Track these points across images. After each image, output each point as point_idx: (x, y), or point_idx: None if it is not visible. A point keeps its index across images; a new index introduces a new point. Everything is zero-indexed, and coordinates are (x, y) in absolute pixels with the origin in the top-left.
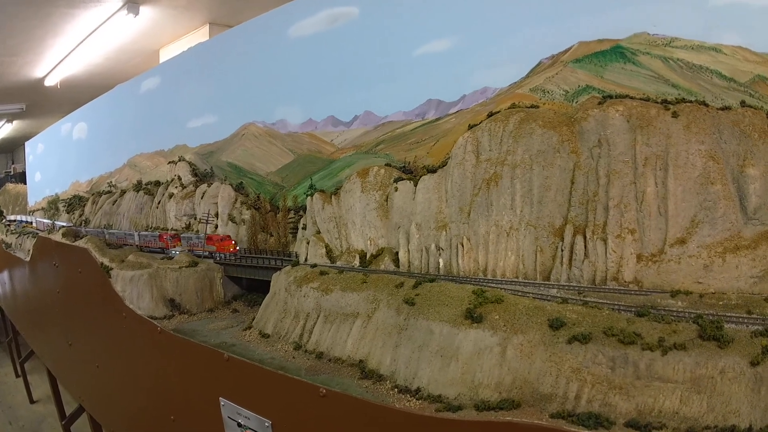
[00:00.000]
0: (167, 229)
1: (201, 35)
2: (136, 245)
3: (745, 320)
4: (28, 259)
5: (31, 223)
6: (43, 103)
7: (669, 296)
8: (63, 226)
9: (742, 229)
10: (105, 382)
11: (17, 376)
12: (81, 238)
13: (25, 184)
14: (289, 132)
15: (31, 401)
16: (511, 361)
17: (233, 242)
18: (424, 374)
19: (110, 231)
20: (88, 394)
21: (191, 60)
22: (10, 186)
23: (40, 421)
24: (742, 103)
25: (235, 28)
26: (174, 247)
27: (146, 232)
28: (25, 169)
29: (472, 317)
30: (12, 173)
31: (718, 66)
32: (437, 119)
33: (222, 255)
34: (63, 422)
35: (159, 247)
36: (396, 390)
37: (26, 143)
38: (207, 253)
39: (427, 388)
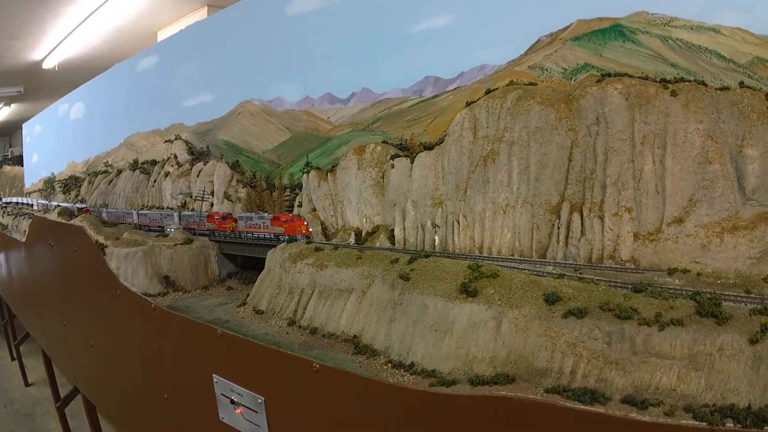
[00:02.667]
0: (163, 208)
1: (199, 17)
2: (175, 227)
3: (744, 299)
4: (23, 240)
5: (31, 204)
6: (41, 86)
7: (666, 274)
8: (58, 205)
9: (740, 210)
10: (99, 362)
11: (12, 359)
12: (106, 225)
13: (22, 166)
14: (285, 109)
15: (26, 384)
16: (506, 335)
17: (305, 222)
18: (418, 349)
19: (142, 212)
20: (82, 375)
21: (188, 39)
22: (7, 168)
23: (35, 404)
24: (741, 84)
25: (232, 6)
26: (228, 228)
27: (190, 212)
28: (22, 151)
29: (467, 291)
30: (9, 156)
31: (717, 47)
32: (435, 96)
33: (292, 238)
34: (57, 404)
35: (208, 230)
36: (390, 365)
37: (24, 125)
38: (272, 236)
39: (421, 363)
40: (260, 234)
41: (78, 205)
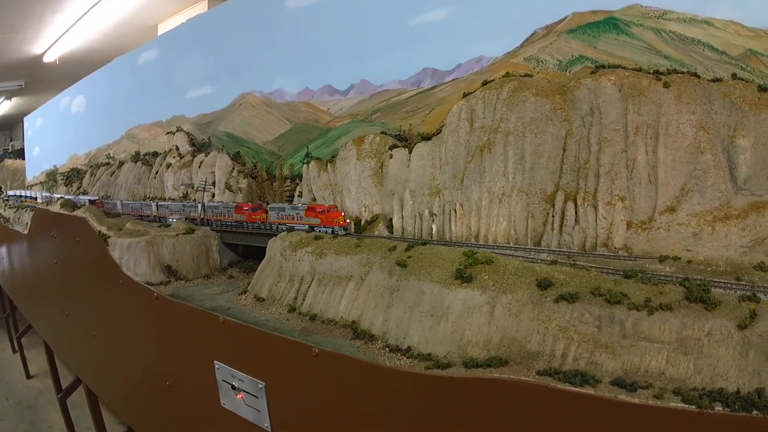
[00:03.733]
0: (165, 199)
1: (199, 10)
2: (200, 219)
3: (734, 286)
4: (26, 232)
5: (35, 197)
6: (42, 80)
7: (657, 261)
8: (61, 198)
9: (731, 199)
10: (101, 352)
11: (14, 351)
12: (114, 216)
13: (24, 159)
14: (286, 101)
15: (28, 376)
16: (500, 319)
17: (342, 213)
18: (414, 333)
19: (162, 204)
20: (84, 365)
21: (189, 32)
22: (8, 162)
23: (36, 396)
24: (734, 76)
25: (233, 0)
26: (258, 220)
27: (216, 203)
28: (23, 145)
29: (462, 277)
30: (10, 150)
31: (710, 39)
32: (432, 88)
33: (330, 229)
34: (59, 396)
35: (235, 221)
36: (387, 349)
37: (25, 118)
38: (307, 227)
39: (417, 347)
40: (293, 226)
41: (89, 197)
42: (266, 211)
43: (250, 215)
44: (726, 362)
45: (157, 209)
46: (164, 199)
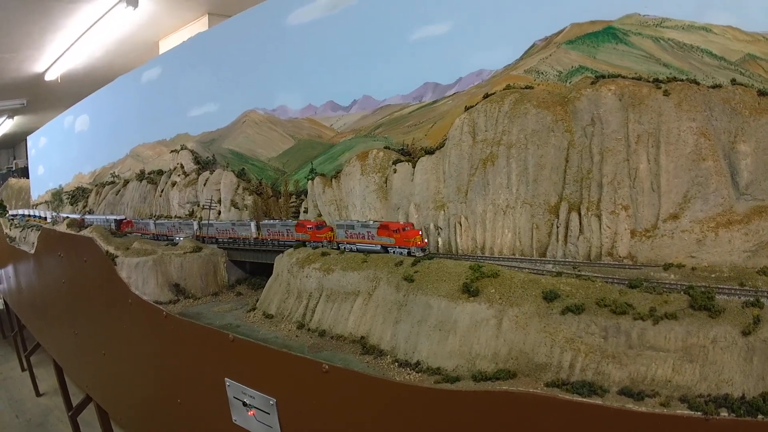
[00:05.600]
0: (171, 217)
1: (200, 26)
2: (253, 238)
3: (738, 292)
4: (32, 251)
5: (44, 217)
6: (44, 98)
7: (661, 269)
8: (71, 217)
9: (734, 205)
10: (111, 370)
11: (23, 370)
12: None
13: (28, 178)
14: (289, 118)
15: (38, 394)
16: (507, 332)
17: (419, 232)
18: (423, 348)
19: (208, 223)
20: (94, 383)
21: (191, 50)
22: (12, 181)
23: (46, 414)
24: (733, 81)
25: (234, 17)
26: (323, 239)
27: (272, 220)
28: (27, 164)
29: (469, 291)
30: (14, 168)
31: (709, 45)
32: (434, 102)
33: (405, 250)
34: (70, 413)
35: (296, 240)
36: (396, 364)
37: (28, 137)
38: (379, 247)
39: (426, 361)
40: (363, 246)
41: (115, 217)
42: (332, 229)
43: (314, 234)
44: (731, 368)
45: (200, 229)
46: (179, 217)
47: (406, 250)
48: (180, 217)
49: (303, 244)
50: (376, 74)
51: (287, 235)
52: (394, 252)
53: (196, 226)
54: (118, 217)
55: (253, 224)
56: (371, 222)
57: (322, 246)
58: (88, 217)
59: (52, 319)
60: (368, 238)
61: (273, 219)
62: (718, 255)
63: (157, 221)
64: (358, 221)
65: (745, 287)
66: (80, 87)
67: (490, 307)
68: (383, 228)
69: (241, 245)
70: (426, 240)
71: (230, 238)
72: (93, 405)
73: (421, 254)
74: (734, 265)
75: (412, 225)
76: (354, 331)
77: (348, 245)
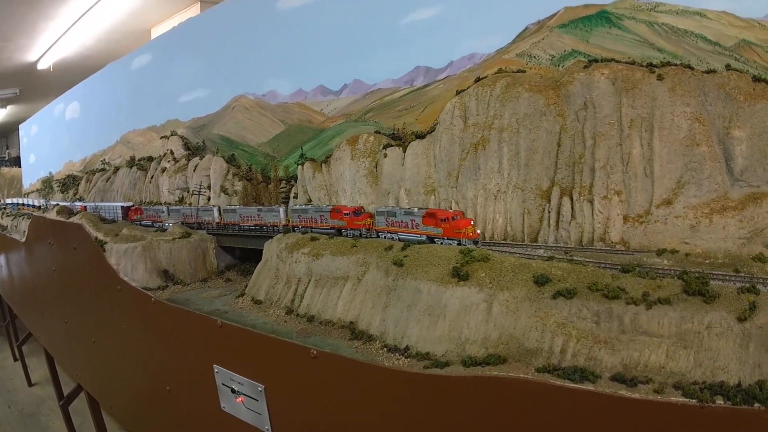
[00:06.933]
0: (160, 203)
1: (192, 13)
2: (282, 225)
3: (732, 278)
4: (23, 240)
5: (37, 206)
6: (37, 87)
7: (654, 255)
8: (57, 204)
9: (728, 191)
10: (101, 358)
11: (15, 359)
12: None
13: (20, 167)
14: (279, 103)
15: (30, 384)
16: (497, 317)
17: (471, 221)
18: (412, 333)
19: (229, 209)
20: (85, 372)
21: (182, 35)
22: (5, 170)
23: (38, 404)
24: (728, 67)
25: (224, 2)
26: (361, 226)
27: (304, 206)
28: (19, 152)
29: (459, 275)
30: (6, 158)
31: (703, 30)
32: (425, 86)
33: (455, 242)
34: (61, 403)
35: (332, 227)
36: (385, 349)
37: (20, 126)
38: (424, 238)
39: (415, 347)
40: (405, 236)
41: (122, 204)
42: (371, 216)
43: (351, 221)
44: (726, 355)
45: (221, 214)
46: (168, 203)
47: (456, 242)
48: (178, 203)
49: (339, 232)
50: (367, 58)
51: (321, 222)
52: (441, 244)
53: (216, 213)
54: (125, 204)
55: (282, 210)
56: (416, 209)
57: (360, 235)
58: (90, 204)
59: (42, 307)
60: (412, 227)
61: (306, 204)
62: (712, 241)
63: (171, 207)
64: (400, 208)
65: (741, 273)
66: (72, 75)
67: (480, 291)
68: (429, 216)
69: (271, 232)
70: (479, 231)
71: (256, 225)
72: (84, 394)
73: (474, 247)
74: (728, 252)
75: (463, 213)
76: (343, 316)
77: (389, 234)
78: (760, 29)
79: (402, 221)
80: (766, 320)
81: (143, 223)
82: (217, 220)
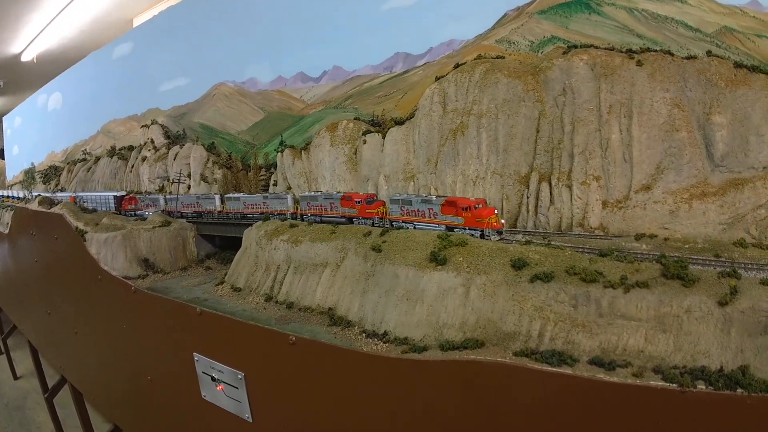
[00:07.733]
0: (141, 192)
1: (173, 2)
2: (290, 213)
3: (713, 263)
4: (6, 232)
5: (21, 198)
6: (21, 79)
7: (633, 240)
8: (38, 195)
9: (709, 177)
10: (83, 349)
11: (0, 353)
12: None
13: (3, 159)
14: (259, 90)
15: (15, 377)
16: (475, 301)
17: (495, 211)
18: (391, 318)
19: (232, 196)
20: (68, 363)
21: (162, 24)
22: None
23: (24, 397)
24: (709, 53)
25: None
26: (374, 215)
27: (314, 193)
28: (3, 145)
29: (437, 260)
30: None
31: (684, 17)
32: (405, 72)
33: (477, 232)
34: (46, 396)
35: (342, 216)
36: (364, 335)
37: (4, 118)
38: (444, 228)
39: (394, 332)
40: (422, 225)
41: (114, 193)
42: (384, 204)
43: (363, 209)
44: (707, 340)
45: (223, 203)
46: (208, 192)
47: (479, 232)
48: (158, 192)
49: (350, 220)
50: (347, 45)
51: (331, 210)
52: (462, 233)
53: (218, 201)
54: (118, 194)
55: (289, 197)
56: (434, 197)
57: (373, 224)
58: (80, 194)
59: (26, 300)
60: (429, 216)
61: (314, 192)
62: (692, 227)
63: (168, 196)
64: (417, 196)
65: (721, 258)
66: (56, 67)
67: (458, 276)
68: (450, 204)
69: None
70: (503, 221)
71: (261, 213)
72: (68, 386)
73: (497, 237)
74: (709, 237)
75: (485, 201)
76: (322, 302)
77: (403, 224)
78: (742, 16)
79: (419, 210)
80: (748, 305)
81: (138, 213)
82: (219, 209)
